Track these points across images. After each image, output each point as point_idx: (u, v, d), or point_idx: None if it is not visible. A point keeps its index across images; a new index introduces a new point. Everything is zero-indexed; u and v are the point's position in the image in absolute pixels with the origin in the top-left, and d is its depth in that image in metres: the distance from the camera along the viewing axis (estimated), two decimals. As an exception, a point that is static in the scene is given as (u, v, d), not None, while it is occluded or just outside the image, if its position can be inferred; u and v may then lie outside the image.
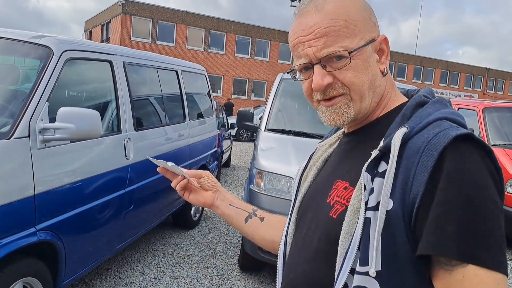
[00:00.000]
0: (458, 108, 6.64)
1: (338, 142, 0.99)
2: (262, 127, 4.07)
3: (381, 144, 0.78)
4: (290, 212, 1.01)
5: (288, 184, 3.34)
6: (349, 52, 0.81)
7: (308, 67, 0.85)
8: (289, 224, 1.00)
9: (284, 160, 3.54)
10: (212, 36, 30.80)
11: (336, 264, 0.78)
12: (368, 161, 0.78)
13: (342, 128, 0.99)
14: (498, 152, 5.34)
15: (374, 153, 0.77)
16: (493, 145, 5.49)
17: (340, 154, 0.96)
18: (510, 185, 4.94)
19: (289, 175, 3.36)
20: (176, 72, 4.35)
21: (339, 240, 0.78)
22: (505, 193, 4.91)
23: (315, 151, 1.08)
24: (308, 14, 0.84)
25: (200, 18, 30.64)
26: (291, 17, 0.90)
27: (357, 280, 0.73)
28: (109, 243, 3.18)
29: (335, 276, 0.77)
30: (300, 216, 0.97)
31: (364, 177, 0.77)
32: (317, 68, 0.83)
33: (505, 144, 5.48)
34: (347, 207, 0.79)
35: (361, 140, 0.89)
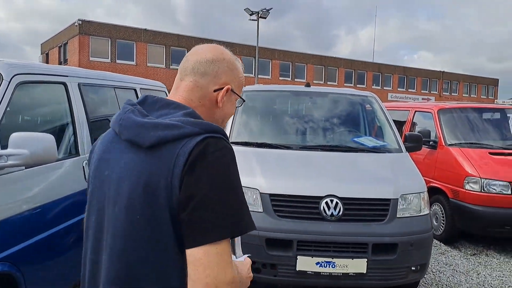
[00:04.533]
0: (415, 111, 6.89)
1: None
2: None
3: None
4: None
5: (254, 196, 3.35)
6: None
7: None
8: None
9: (249, 172, 3.55)
10: (173, 53, 30.69)
11: None
12: None
13: None
14: (454, 152, 5.57)
15: None
16: (449, 144, 5.72)
17: None
18: (468, 183, 5.15)
19: (254, 187, 3.37)
20: (135, 90, 4.30)
21: None
22: (464, 190, 5.11)
23: None
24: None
25: (159, 35, 30.48)
26: (237, 58, 1.27)
27: None
28: (75, 270, 3.07)
29: None
30: None
31: None
32: None
33: (460, 143, 5.71)
34: None
35: None
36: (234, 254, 1.21)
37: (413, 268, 3.35)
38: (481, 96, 48.71)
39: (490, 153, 5.42)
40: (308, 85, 4.76)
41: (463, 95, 47.51)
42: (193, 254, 0.95)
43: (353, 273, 3.16)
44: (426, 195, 3.60)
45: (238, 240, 1.27)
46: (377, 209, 3.36)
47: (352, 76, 40.40)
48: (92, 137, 3.33)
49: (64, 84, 3.16)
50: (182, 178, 0.97)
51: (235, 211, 0.99)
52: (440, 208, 5.57)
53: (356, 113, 4.72)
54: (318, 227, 3.21)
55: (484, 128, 6.22)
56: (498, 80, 51.29)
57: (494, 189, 4.97)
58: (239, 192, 1.01)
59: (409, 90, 43.73)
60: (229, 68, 1.20)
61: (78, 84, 3.32)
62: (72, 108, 3.18)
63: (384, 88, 42.17)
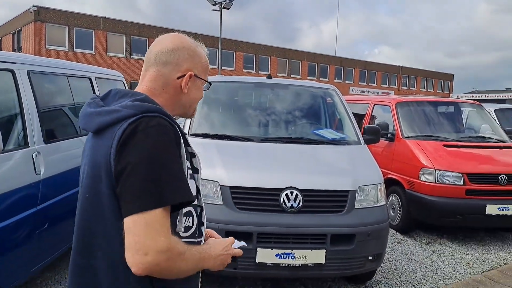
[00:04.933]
0: (374, 105, 7.04)
1: None
2: (186, 132, 4.00)
3: None
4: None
5: (214, 189, 3.31)
6: None
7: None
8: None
9: (209, 164, 3.50)
10: (134, 42, 29.89)
11: None
12: None
13: None
14: (410, 144, 5.73)
15: None
16: (406, 137, 5.88)
17: None
18: (423, 174, 5.32)
19: (214, 179, 3.33)
20: (90, 79, 4.13)
21: None
22: (419, 181, 5.28)
23: None
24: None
25: (120, 23, 29.58)
26: (200, 43, 1.36)
27: None
28: (22, 266, 2.92)
29: None
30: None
31: None
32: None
33: (416, 136, 5.89)
34: None
35: None
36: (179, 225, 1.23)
37: (370, 258, 3.42)
38: (437, 91, 50.60)
39: (445, 145, 5.61)
40: (269, 77, 4.74)
41: (421, 89, 49.17)
42: (125, 223, 1.04)
43: (312, 264, 3.19)
44: (383, 186, 3.68)
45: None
46: (336, 200, 3.41)
47: (315, 70, 40.87)
48: (43, 128, 3.17)
49: (12, 71, 2.98)
50: (116, 155, 1.07)
51: (162, 182, 1.05)
52: (397, 199, 5.74)
53: (317, 106, 4.75)
54: (278, 219, 3.21)
55: (439, 121, 6.44)
56: (453, 75, 53.43)
57: (447, 180, 5.16)
58: (169, 166, 1.07)
59: (369, 84, 44.78)
60: (190, 55, 1.27)
61: (28, 72, 3.14)
62: (21, 97, 3.01)
63: (346, 81, 42.97)
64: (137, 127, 1.07)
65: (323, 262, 3.21)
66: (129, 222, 1.02)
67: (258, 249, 3.14)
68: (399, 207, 5.68)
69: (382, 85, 45.66)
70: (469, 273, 4.36)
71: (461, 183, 5.12)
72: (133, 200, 1.03)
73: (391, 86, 46.51)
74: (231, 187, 3.28)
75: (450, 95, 47.06)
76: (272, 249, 3.15)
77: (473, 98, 37.98)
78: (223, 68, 33.48)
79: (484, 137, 6.18)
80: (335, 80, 41.84)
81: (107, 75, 4.67)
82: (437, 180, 5.18)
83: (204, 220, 1.31)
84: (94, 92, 4.19)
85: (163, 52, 1.24)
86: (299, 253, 3.18)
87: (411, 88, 48.25)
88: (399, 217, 5.68)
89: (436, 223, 5.42)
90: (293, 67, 39.49)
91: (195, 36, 1.39)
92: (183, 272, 1.11)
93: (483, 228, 5.89)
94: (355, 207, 3.41)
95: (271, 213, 3.24)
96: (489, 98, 41.22)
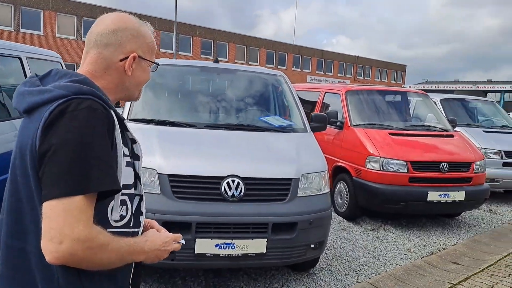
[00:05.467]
0: (325, 93, 7.06)
1: None
2: (124, 117, 3.79)
3: None
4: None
5: (151, 178, 3.16)
6: None
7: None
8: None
9: (148, 151, 3.32)
10: (86, 24, 28.60)
11: None
12: None
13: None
14: (358, 132, 5.79)
15: None
16: (354, 125, 5.94)
17: None
18: (369, 162, 5.39)
19: (152, 167, 3.17)
20: (20, 59, 3.82)
21: None
22: (365, 169, 5.35)
23: None
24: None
25: (70, 4, 28.20)
26: (145, 22, 1.29)
27: None
28: None
29: None
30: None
31: None
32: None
33: (364, 124, 5.96)
34: None
35: None
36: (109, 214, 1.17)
37: (312, 246, 3.40)
38: (391, 81, 52.17)
39: (391, 134, 5.72)
40: (216, 61, 4.58)
41: (375, 79, 50.49)
42: (43, 208, 0.98)
43: (252, 253, 3.13)
44: (326, 174, 3.66)
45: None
46: (278, 188, 3.35)
47: (273, 57, 40.90)
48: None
49: None
50: (41, 137, 1.01)
51: (85, 168, 0.99)
52: (345, 186, 5.80)
53: (264, 92, 4.66)
54: (218, 209, 3.11)
55: (386, 110, 6.56)
56: (406, 66, 55.22)
57: (392, 168, 5.26)
58: (95, 151, 1.01)
59: (326, 73, 45.44)
60: (133, 35, 1.21)
61: None
62: None
63: (304, 70, 43.36)
64: (65, 109, 1.02)
65: (264, 251, 3.15)
66: (47, 207, 0.97)
67: (197, 239, 3.03)
68: (347, 195, 5.74)
69: (338, 75, 46.46)
70: (410, 259, 4.48)
71: (405, 170, 5.23)
72: (52, 185, 0.98)
73: (347, 75, 47.43)
74: (169, 175, 3.14)
75: (403, 85, 48.68)
76: (211, 239, 3.06)
77: (424, 88, 39.47)
78: (180, 53, 32.82)
79: (429, 126, 6.36)
80: (293, 69, 42.10)
81: (41, 55, 4.35)
82: (382, 168, 5.27)
83: (143, 209, 1.27)
84: (24, 73, 3.88)
85: (104, 33, 1.18)
86: (240, 243, 3.10)
87: (366, 78, 49.44)
88: (346, 204, 5.76)
89: (380, 210, 5.54)
90: (252, 55, 39.31)
91: (151, 20, 1.30)
92: (106, 264, 1.05)
93: (425, 214, 6.09)
94: (298, 195, 3.37)
95: (211, 202, 3.14)
96: (439, 89, 42.96)
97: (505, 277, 3.99)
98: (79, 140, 0.99)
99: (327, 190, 3.61)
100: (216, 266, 3.31)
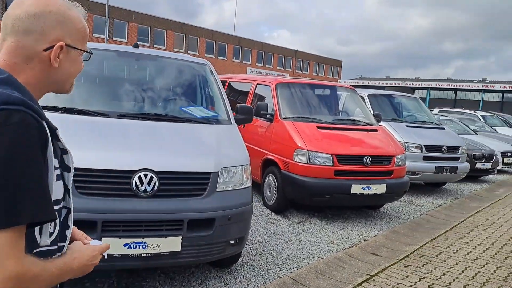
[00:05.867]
0: (257, 84, 6.97)
1: None
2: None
3: None
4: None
5: (53, 171, 2.85)
6: None
7: None
8: None
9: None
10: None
11: None
12: None
13: None
14: (287, 125, 5.76)
15: None
16: (284, 118, 5.90)
17: None
18: (297, 155, 5.38)
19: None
20: None
21: None
22: (293, 162, 5.32)
23: None
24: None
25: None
26: (74, 4, 1.11)
27: None
28: None
29: None
30: None
31: None
32: None
33: (293, 117, 5.94)
34: None
35: None
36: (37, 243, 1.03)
37: (231, 242, 3.28)
38: (328, 76, 53.71)
39: (318, 127, 5.75)
40: (136, 45, 4.28)
41: (313, 73, 51.73)
42: None
43: (166, 252, 2.94)
44: (248, 167, 3.55)
45: None
46: (196, 183, 3.19)
47: (213, 47, 40.41)
48: None
49: None
50: None
51: (16, 196, 0.85)
52: (274, 179, 5.76)
53: (188, 81, 4.44)
54: (128, 205, 2.88)
55: (316, 103, 6.61)
56: (342, 62, 57.09)
57: (318, 161, 5.28)
58: (28, 175, 0.87)
59: (266, 66, 45.75)
60: (59, 20, 1.03)
61: None
62: None
63: (244, 62, 43.32)
64: None
65: (179, 249, 2.98)
66: None
67: (103, 239, 2.78)
68: (275, 188, 5.71)
69: (278, 68, 46.97)
70: (332, 251, 4.52)
71: (331, 164, 5.28)
72: None
73: (286, 69, 48.10)
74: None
75: (338, 80, 50.30)
76: (120, 239, 2.82)
77: (357, 84, 41.00)
78: (114, 38, 31.37)
79: (355, 120, 6.49)
80: (233, 60, 41.92)
81: None
82: (309, 161, 5.28)
83: (70, 223, 1.13)
84: None
85: (23, 17, 1.00)
86: (152, 242, 2.90)
87: (304, 72, 50.47)
88: (275, 197, 5.72)
89: (307, 203, 5.56)
90: (191, 44, 38.55)
91: (83, 2, 1.09)
92: None
93: (349, 207, 6.23)
94: (217, 190, 3.23)
95: (120, 198, 2.90)
96: (371, 84, 44.89)
97: (419, 267, 4.13)
98: (9, 163, 0.85)
99: (249, 184, 3.50)
100: (127, 267, 3.08)
